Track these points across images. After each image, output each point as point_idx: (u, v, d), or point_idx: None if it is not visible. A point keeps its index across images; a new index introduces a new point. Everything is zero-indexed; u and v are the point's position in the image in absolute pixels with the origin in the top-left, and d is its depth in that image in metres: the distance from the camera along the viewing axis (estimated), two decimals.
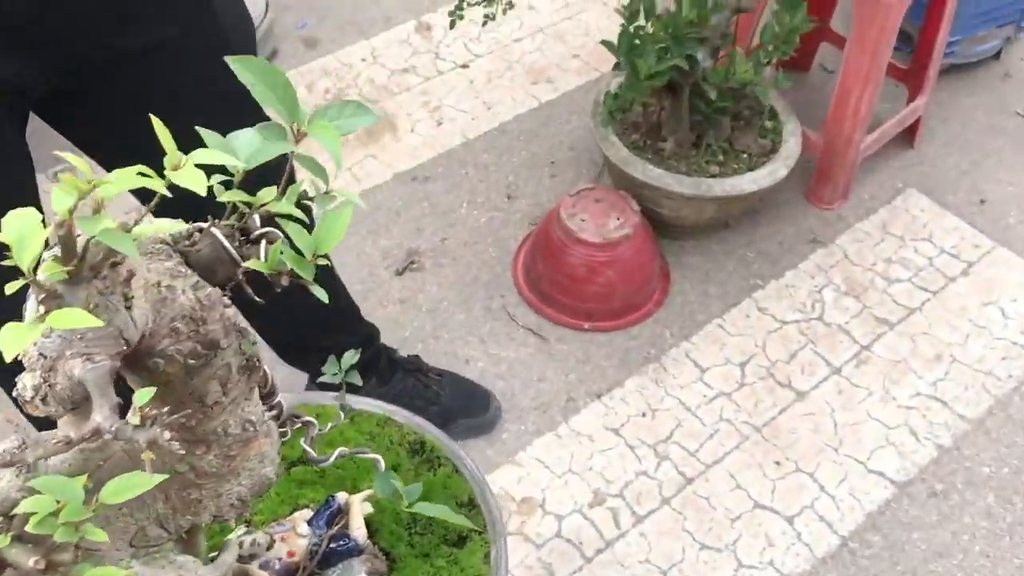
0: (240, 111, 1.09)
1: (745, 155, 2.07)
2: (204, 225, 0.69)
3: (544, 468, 1.82)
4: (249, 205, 0.68)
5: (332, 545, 0.91)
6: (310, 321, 1.62)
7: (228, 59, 0.66)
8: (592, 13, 2.77)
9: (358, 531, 0.91)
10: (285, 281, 0.68)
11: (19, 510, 0.53)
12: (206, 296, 0.65)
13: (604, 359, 1.99)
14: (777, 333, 2.03)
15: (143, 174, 0.56)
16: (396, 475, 0.80)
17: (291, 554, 0.90)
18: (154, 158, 0.59)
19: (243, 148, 0.68)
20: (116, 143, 1.13)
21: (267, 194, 0.70)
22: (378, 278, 2.12)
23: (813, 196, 2.27)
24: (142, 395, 0.53)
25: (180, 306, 0.63)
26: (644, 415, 1.89)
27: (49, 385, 0.53)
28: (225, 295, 0.68)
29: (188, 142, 0.61)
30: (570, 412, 1.91)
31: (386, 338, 1.87)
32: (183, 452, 0.59)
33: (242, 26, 1.29)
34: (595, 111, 2.09)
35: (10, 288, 0.51)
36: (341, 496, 0.95)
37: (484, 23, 1.92)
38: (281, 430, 0.84)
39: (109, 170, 0.56)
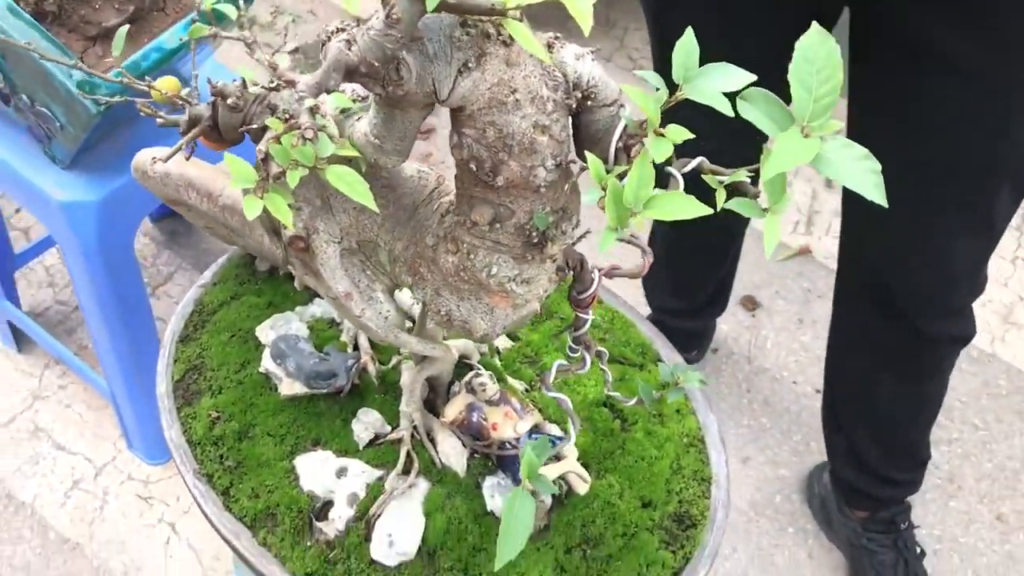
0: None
1: None
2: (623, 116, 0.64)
3: None
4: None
5: (515, 461, 0.87)
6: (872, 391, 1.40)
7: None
8: None
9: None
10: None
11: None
12: (535, 142, 0.62)
13: None
14: None
15: None
16: (543, 481, 0.70)
17: (494, 427, 0.89)
18: None
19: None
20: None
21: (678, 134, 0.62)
22: None
23: None
24: (338, 98, 0.56)
25: (507, 122, 0.62)
26: None
27: (328, 38, 0.57)
28: (566, 163, 0.65)
29: None
30: None
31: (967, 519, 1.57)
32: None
33: None
34: None
35: None
36: (571, 447, 0.89)
37: None
38: (576, 335, 0.79)
39: None
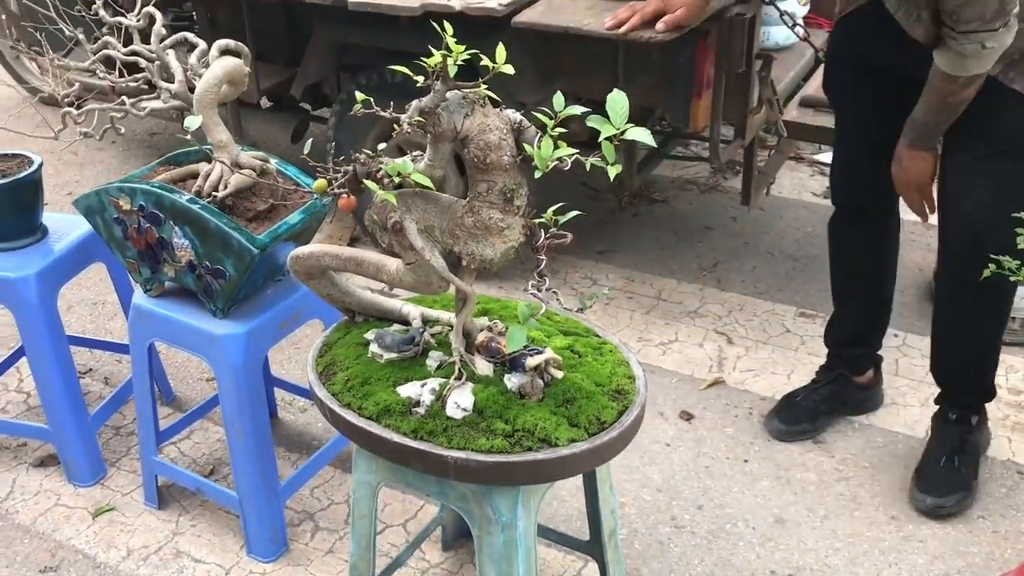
0: None
1: None
2: (532, 129, 1.47)
3: None
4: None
5: (517, 363, 1.57)
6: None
7: None
8: None
9: (530, 361, 1.54)
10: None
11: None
12: (501, 145, 1.43)
13: None
14: None
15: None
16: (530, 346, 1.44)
17: (502, 345, 1.59)
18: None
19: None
20: None
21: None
22: None
23: None
24: (406, 162, 1.38)
25: (488, 138, 1.43)
26: None
27: (418, 101, 1.40)
28: (517, 159, 1.45)
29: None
30: None
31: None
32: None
33: None
34: None
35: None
36: (548, 351, 1.58)
37: None
38: (538, 270, 1.54)
39: None
